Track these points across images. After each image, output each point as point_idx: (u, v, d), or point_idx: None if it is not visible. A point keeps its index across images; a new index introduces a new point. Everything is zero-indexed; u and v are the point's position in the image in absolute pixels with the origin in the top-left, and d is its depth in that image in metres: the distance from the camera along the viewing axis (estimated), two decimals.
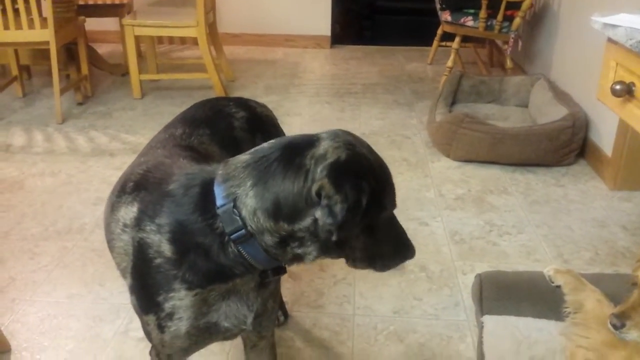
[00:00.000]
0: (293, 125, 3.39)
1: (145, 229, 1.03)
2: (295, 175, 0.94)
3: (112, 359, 1.67)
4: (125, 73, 4.16)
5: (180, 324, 1.05)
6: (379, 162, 1.01)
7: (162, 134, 1.36)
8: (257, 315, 1.11)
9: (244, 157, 1.01)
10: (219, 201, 0.98)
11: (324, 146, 0.96)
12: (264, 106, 1.52)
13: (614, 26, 1.28)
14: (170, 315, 1.04)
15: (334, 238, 0.93)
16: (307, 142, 0.98)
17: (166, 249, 1.01)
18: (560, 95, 3.20)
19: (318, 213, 0.92)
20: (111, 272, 2.05)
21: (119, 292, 1.94)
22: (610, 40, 1.35)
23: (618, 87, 1.24)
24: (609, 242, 2.27)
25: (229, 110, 1.43)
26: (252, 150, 1.02)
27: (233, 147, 1.38)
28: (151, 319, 1.07)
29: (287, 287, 1.97)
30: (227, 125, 1.40)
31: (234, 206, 0.96)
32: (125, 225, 1.08)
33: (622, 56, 1.29)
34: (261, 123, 1.47)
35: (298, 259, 1.01)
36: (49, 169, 2.84)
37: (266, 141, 1.48)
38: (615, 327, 1.41)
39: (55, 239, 2.26)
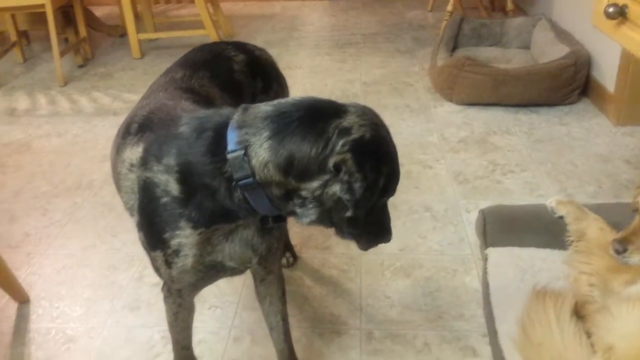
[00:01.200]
0: (294, 77, 3.38)
1: (152, 168, 1.05)
2: (315, 140, 0.95)
3: (129, 303, 1.72)
4: (124, 34, 4.14)
5: (187, 261, 1.08)
6: (394, 148, 1.03)
7: (162, 78, 1.38)
8: (262, 256, 1.15)
9: (265, 108, 1.01)
10: (230, 146, 0.98)
11: (349, 120, 0.96)
12: (262, 50, 1.52)
13: None
14: (177, 252, 1.07)
15: (348, 214, 0.98)
16: (334, 111, 0.98)
17: (174, 188, 1.03)
18: (562, 35, 3.17)
19: (337, 187, 0.95)
20: (123, 224, 2.09)
21: (132, 242, 1.99)
22: None
23: (611, 9, 1.24)
24: (612, 176, 2.28)
25: (227, 53, 1.44)
26: (275, 102, 1.02)
27: (233, 90, 1.39)
28: (158, 255, 1.10)
29: (296, 230, 2.00)
30: (226, 68, 1.41)
31: (245, 154, 0.97)
32: (131, 165, 1.11)
33: None
34: (261, 67, 1.48)
35: (296, 215, 1.04)
36: (55, 130, 2.86)
37: (267, 85, 1.51)
38: (617, 252, 1.44)
39: (66, 195, 2.30)
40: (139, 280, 1.81)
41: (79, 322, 1.66)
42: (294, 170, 0.96)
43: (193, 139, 1.03)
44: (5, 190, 2.35)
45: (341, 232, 1.07)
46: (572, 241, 1.70)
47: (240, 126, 0.99)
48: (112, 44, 4.19)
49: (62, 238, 2.04)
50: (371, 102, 3.10)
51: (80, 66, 3.73)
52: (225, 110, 1.07)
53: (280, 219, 1.09)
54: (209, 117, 1.06)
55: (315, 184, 0.96)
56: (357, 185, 0.94)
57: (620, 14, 1.27)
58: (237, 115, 1.01)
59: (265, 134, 0.97)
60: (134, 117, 1.20)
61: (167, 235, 1.06)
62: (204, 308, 1.69)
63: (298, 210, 1.01)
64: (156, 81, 1.39)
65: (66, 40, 3.88)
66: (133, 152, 1.11)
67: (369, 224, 1.06)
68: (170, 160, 1.04)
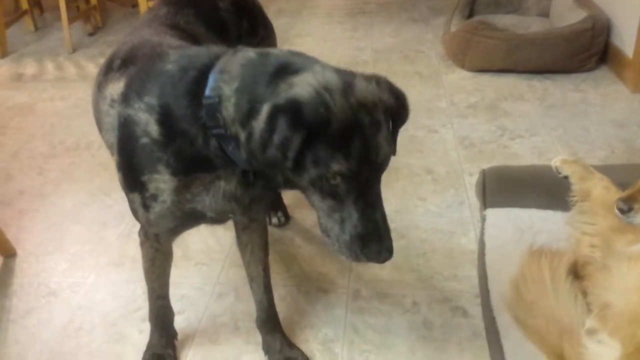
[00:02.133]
0: (303, 45, 3.30)
1: (133, 105, 1.00)
2: (268, 94, 0.89)
3: (114, 259, 1.70)
4: (136, 4, 4.09)
5: (164, 206, 1.04)
6: (349, 119, 0.88)
7: (146, 15, 1.34)
8: (245, 207, 1.08)
9: (247, 54, 0.94)
10: (207, 92, 0.93)
11: (303, 77, 0.88)
12: None
13: None
14: (155, 197, 1.03)
15: (253, 162, 0.92)
16: (299, 67, 0.91)
17: (154, 129, 0.98)
18: (582, 0, 3.03)
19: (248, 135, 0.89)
20: (117, 183, 2.04)
21: (124, 201, 1.92)
22: None
23: None
24: (626, 141, 2.17)
25: None
26: (259, 51, 0.96)
27: (219, 29, 1.34)
28: (136, 197, 1.06)
29: (290, 192, 1.95)
30: (212, 5, 1.36)
31: (219, 102, 0.92)
32: (112, 101, 1.06)
33: None
34: (248, 8, 1.43)
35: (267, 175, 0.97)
36: (59, 94, 2.84)
37: (253, 27, 1.45)
38: (622, 211, 1.36)
39: (64, 155, 2.28)
40: (127, 237, 1.78)
41: (62, 276, 1.64)
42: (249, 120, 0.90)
43: (177, 78, 0.97)
44: (4, 150, 2.33)
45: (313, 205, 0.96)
46: (576, 201, 1.61)
47: (221, 70, 0.93)
48: (125, 14, 4.16)
49: (56, 196, 2.02)
50: (380, 69, 3.03)
51: (90, 34, 3.71)
52: (217, 49, 1.00)
53: (263, 176, 1.01)
54: (197, 55, 1.00)
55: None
56: (257, 134, 0.86)
57: None
58: (225, 57, 0.95)
59: (235, 85, 0.91)
60: (116, 54, 1.15)
61: (145, 178, 1.02)
62: (189, 265, 1.65)
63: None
64: (140, 19, 1.35)
65: (78, 8, 3.86)
66: (114, 87, 1.06)
67: (334, 214, 0.93)
68: (152, 99, 0.98)
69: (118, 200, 1.96)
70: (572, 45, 2.72)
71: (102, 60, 3.19)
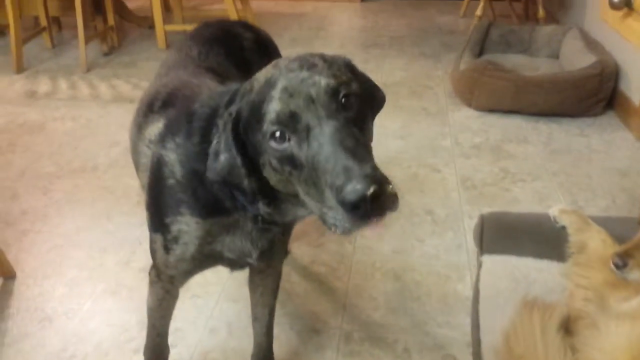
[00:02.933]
0: None
1: (166, 145, 1.02)
2: None
3: (111, 287, 1.71)
4: (152, 26, 4.16)
5: (185, 249, 1.04)
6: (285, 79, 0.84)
7: (176, 55, 1.35)
8: (264, 251, 1.08)
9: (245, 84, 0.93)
10: (214, 129, 0.93)
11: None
12: (264, 30, 1.51)
13: None
14: (176, 239, 1.04)
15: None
16: None
17: (177, 170, 1.00)
18: (592, 44, 3.05)
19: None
20: (119, 208, 2.09)
21: (125, 227, 1.98)
22: None
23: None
24: (628, 191, 2.17)
25: (236, 30, 1.42)
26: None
27: (245, 69, 1.35)
28: (158, 238, 1.07)
29: None
30: (238, 45, 1.39)
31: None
32: (150, 142, 1.08)
33: None
34: (266, 47, 1.46)
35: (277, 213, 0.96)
36: (70, 114, 2.89)
37: None
38: (617, 266, 1.36)
39: (69, 177, 2.30)
40: (126, 265, 1.79)
41: (59, 301, 1.65)
42: None
43: (195, 118, 0.99)
44: (12, 168, 2.37)
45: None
46: (573, 253, 1.61)
47: (227, 104, 0.93)
48: (140, 35, 4.23)
49: (59, 218, 2.04)
50: (388, 103, 3.03)
51: (106, 54, 3.77)
52: (232, 86, 0.99)
53: (270, 222, 0.99)
54: (216, 94, 1.01)
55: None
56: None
57: (626, 4, 1.20)
58: (232, 90, 0.94)
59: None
60: (156, 95, 1.17)
61: (168, 220, 1.03)
62: (185, 297, 1.66)
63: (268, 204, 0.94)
64: (170, 58, 1.36)
65: (95, 28, 3.93)
66: (153, 128, 1.09)
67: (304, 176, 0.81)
68: (180, 139, 1.00)
69: (119, 226, 1.99)
70: (580, 90, 2.73)
71: (115, 81, 3.27)
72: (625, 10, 1.19)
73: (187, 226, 1.01)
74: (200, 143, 0.96)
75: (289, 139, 0.80)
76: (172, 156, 1.00)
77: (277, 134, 0.80)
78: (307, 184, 0.80)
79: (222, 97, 0.95)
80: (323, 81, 0.81)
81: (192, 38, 1.37)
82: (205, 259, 1.08)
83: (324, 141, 0.77)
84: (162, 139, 1.03)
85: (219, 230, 1.02)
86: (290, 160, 0.81)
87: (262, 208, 0.94)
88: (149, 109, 1.15)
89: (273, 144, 0.81)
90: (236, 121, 0.87)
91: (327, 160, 0.76)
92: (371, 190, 0.72)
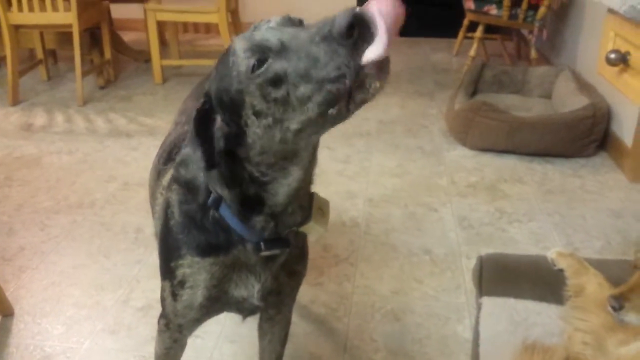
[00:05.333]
0: None
1: (172, 188, 1.03)
2: None
3: (110, 326, 1.69)
4: (149, 59, 4.20)
5: (192, 294, 1.03)
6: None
7: (193, 103, 1.35)
8: (271, 291, 1.06)
9: None
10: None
11: None
12: None
13: None
14: (182, 284, 1.03)
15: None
16: None
17: (176, 211, 1.01)
18: (584, 86, 3.12)
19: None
20: (117, 245, 2.08)
21: (122, 264, 1.97)
22: (609, 10, 1.31)
23: (613, 55, 1.20)
24: (622, 232, 2.20)
25: None
26: None
27: None
28: (167, 285, 1.07)
29: None
30: None
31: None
32: (164, 188, 1.10)
33: (619, 26, 1.25)
34: None
35: (277, 221, 0.94)
36: (67, 148, 2.89)
37: None
38: (613, 308, 1.37)
39: (66, 212, 2.30)
40: (124, 304, 1.78)
41: (58, 340, 1.63)
42: (219, 176, 0.92)
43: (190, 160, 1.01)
44: (9, 203, 2.36)
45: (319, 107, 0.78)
46: (570, 296, 1.62)
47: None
48: (137, 69, 4.27)
49: (56, 254, 2.03)
50: (384, 141, 3.09)
51: (102, 87, 3.80)
52: None
53: (278, 244, 0.97)
54: None
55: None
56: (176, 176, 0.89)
57: (622, 61, 1.24)
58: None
59: None
60: (176, 143, 1.19)
61: (173, 264, 1.03)
62: None
63: (263, 214, 0.93)
64: (188, 106, 1.38)
65: (92, 61, 3.97)
66: (168, 175, 1.10)
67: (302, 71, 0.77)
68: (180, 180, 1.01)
69: (117, 263, 1.98)
70: (573, 131, 2.78)
71: (111, 115, 3.29)
72: (621, 66, 1.23)
73: (190, 268, 1.01)
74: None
75: (267, 59, 0.78)
76: (174, 197, 1.01)
77: (255, 61, 0.78)
78: (299, 87, 0.76)
79: None
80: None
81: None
82: (213, 304, 1.06)
83: (302, 38, 0.76)
84: (170, 183, 1.05)
85: (222, 272, 1.02)
86: (276, 79, 0.77)
87: (258, 222, 0.94)
88: (169, 157, 1.16)
89: (255, 73, 0.78)
90: (203, 109, 0.87)
91: (311, 42, 0.75)
92: (356, 10, 0.71)
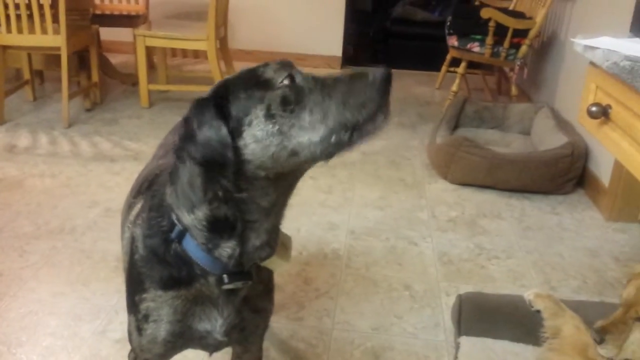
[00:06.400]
0: None
1: (136, 222, 1.05)
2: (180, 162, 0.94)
3: (87, 357, 1.68)
4: (136, 83, 4.21)
5: (155, 327, 1.04)
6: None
7: (175, 136, 1.36)
8: (234, 326, 1.07)
9: None
10: (166, 199, 0.98)
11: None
12: None
13: (593, 48, 1.28)
14: (146, 318, 1.04)
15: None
16: None
17: (140, 245, 1.02)
18: (562, 124, 3.19)
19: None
20: (97, 273, 2.07)
21: (101, 294, 1.96)
22: (591, 63, 1.35)
23: (594, 108, 1.25)
24: (598, 272, 2.24)
25: None
26: None
27: None
28: (132, 319, 1.07)
29: None
30: None
31: (169, 206, 0.97)
32: (130, 222, 1.10)
33: (601, 79, 1.30)
34: None
35: (241, 252, 0.95)
36: (49, 171, 2.88)
37: None
38: (595, 341, 1.40)
39: (47, 238, 2.28)
40: (102, 334, 1.77)
41: None
42: (190, 195, 0.92)
43: (155, 195, 1.03)
44: None
45: (306, 153, 0.87)
46: (547, 338, 1.65)
47: (166, 185, 0.99)
48: (124, 92, 4.27)
49: (35, 281, 2.01)
50: (367, 172, 3.12)
51: (88, 110, 3.79)
52: None
53: (242, 277, 0.98)
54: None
55: (210, 189, 0.91)
56: (188, 152, 0.87)
57: (603, 114, 1.28)
58: (165, 174, 1.01)
59: (170, 182, 0.97)
60: (147, 177, 1.20)
61: (137, 297, 1.03)
62: None
63: (234, 244, 0.93)
64: (168, 139, 1.39)
65: (79, 83, 3.97)
66: (135, 209, 1.11)
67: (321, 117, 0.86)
68: (145, 214, 1.03)
69: (95, 292, 1.97)
70: (551, 169, 2.84)
71: (96, 139, 3.29)
72: (602, 119, 1.27)
73: (153, 302, 1.02)
74: (155, 218, 0.99)
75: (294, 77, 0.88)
76: (138, 231, 1.03)
77: (287, 75, 0.87)
78: (322, 109, 0.86)
79: None
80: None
81: None
82: (177, 339, 1.07)
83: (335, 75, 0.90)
84: (135, 218, 1.07)
85: (185, 305, 1.02)
86: (301, 93, 0.87)
87: (226, 249, 0.94)
88: (139, 190, 1.17)
89: (284, 83, 0.86)
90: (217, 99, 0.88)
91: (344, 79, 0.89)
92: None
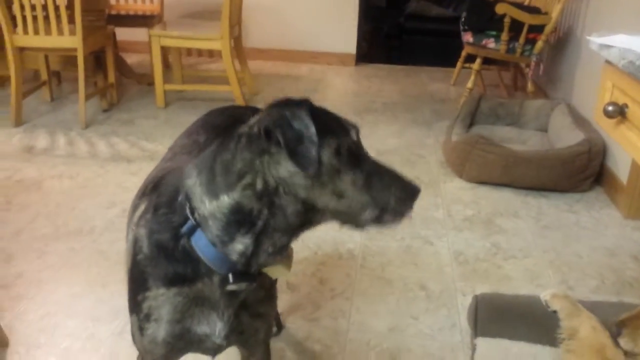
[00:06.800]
0: None
1: (139, 223, 1.05)
2: (231, 143, 0.94)
3: (105, 359, 1.70)
4: (152, 83, 4.24)
5: (156, 327, 1.05)
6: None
7: (184, 140, 1.38)
8: (233, 329, 1.07)
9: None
10: (180, 197, 1.00)
11: (252, 120, 0.96)
12: None
13: (608, 47, 1.27)
14: (148, 317, 1.05)
15: (287, 156, 0.87)
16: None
17: (144, 244, 1.02)
18: (579, 121, 3.16)
19: (267, 145, 0.90)
20: (114, 275, 2.09)
21: (119, 295, 1.98)
22: (607, 61, 1.34)
23: (610, 108, 1.23)
24: (617, 271, 2.22)
25: (246, 118, 1.45)
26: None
27: None
28: (134, 320, 1.08)
29: (285, 298, 1.98)
30: None
31: (187, 198, 0.98)
32: (133, 223, 1.10)
33: (617, 77, 1.28)
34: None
35: (252, 252, 0.95)
36: (68, 172, 2.91)
37: None
38: (613, 334, 1.44)
39: (65, 239, 2.31)
40: (119, 336, 1.79)
41: None
42: (223, 182, 0.93)
43: (161, 195, 1.04)
44: (7, 228, 2.37)
45: (342, 218, 0.97)
46: (564, 339, 1.64)
47: (186, 175, 1.00)
48: (140, 91, 4.31)
49: (54, 283, 2.04)
50: None
51: (105, 110, 3.83)
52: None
53: (245, 278, 0.98)
54: (178, 173, 1.05)
55: (249, 175, 0.91)
56: (278, 121, 0.87)
57: (619, 113, 1.26)
58: (187, 167, 1.02)
59: (195, 171, 0.98)
60: (152, 179, 1.20)
61: (140, 297, 1.04)
62: None
63: (248, 237, 0.94)
64: (177, 142, 1.39)
65: (95, 84, 4.00)
66: (139, 210, 1.11)
67: (360, 188, 0.94)
68: (149, 215, 1.04)
69: (113, 294, 1.99)
70: (568, 166, 2.81)
71: (113, 139, 3.32)
72: (618, 118, 1.25)
73: (155, 301, 1.03)
74: (165, 214, 1.00)
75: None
76: (142, 231, 1.03)
77: (356, 135, 0.96)
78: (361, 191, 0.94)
79: (179, 177, 1.02)
80: None
81: (202, 125, 1.41)
82: (176, 341, 1.07)
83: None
84: (139, 219, 1.07)
85: (185, 304, 1.03)
86: (361, 151, 0.96)
87: (240, 244, 0.94)
88: (143, 192, 1.18)
89: (353, 136, 0.95)
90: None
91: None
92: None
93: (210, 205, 0.95)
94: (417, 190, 0.99)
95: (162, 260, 1.00)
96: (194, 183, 0.98)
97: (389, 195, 0.95)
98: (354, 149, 0.94)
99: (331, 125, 0.92)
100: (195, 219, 0.96)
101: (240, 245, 0.95)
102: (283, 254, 1.00)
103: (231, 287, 0.99)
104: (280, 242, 0.97)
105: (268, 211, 0.93)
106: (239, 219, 0.93)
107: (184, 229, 0.97)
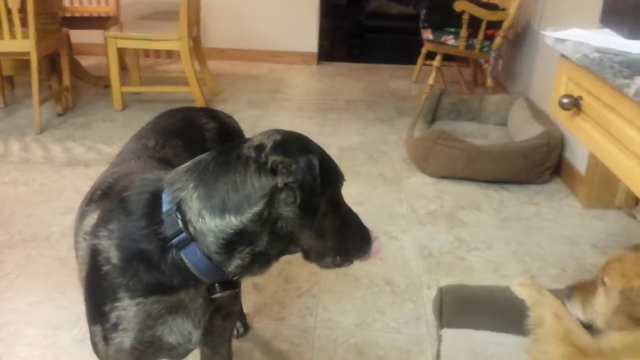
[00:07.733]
0: None
1: (98, 234, 1.02)
2: (237, 165, 0.95)
3: None
4: (108, 85, 4.14)
5: (124, 336, 1.02)
6: (314, 143, 1.05)
7: (133, 144, 1.33)
8: (205, 332, 1.08)
9: (184, 164, 1.02)
10: (165, 206, 0.98)
11: (256, 139, 0.99)
12: (230, 117, 1.51)
13: (563, 41, 1.29)
14: (115, 326, 1.02)
15: (298, 201, 0.94)
16: (239, 142, 1.00)
17: (114, 255, 0.99)
18: (538, 114, 3.22)
19: (278, 181, 0.94)
20: (73, 281, 2.03)
21: (79, 301, 1.90)
22: (562, 55, 1.36)
23: (565, 100, 1.25)
24: (577, 260, 2.26)
25: (199, 121, 1.41)
26: (192, 159, 1.03)
27: None
28: (97, 329, 1.05)
29: (250, 298, 1.95)
30: (199, 136, 1.37)
31: (178, 209, 0.96)
32: (85, 233, 1.06)
33: (572, 70, 1.30)
34: (230, 134, 1.46)
35: (246, 266, 0.99)
36: (22, 178, 2.82)
37: None
38: (566, 297, 1.55)
39: (21, 246, 2.24)
40: (81, 343, 1.74)
41: None
42: (230, 204, 0.94)
43: (132, 202, 1.01)
44: None
45: (312, 254, 1.05)
46: (532, 328, 1.66)
47: (170, 184, 0.99)
48: (96, 94, 4.21)
49: (10, 291, 1.97)
50: (345, 168, 3.09)
51: (60, 115, 3.73)
52: (163, 172, 1.06)
53: (230, 286, 1.02)
54: (150, 180, 1.04)
55: (259, 205, 0.94)
56: (293, 168, 0.93)
57: (574, 105, 1.29)
58: (168, 175, 1.02)
59: (192, 184, 0.97)
60: (100, 185, 1.16)
61: (107, 307, 1.01)
62: None
63: (246, 254, 0.97)
64: (126, 147, 1.35)
65: (50, 87, 3.89)
66: (90, 219, 1.07)
67: (335, 231, 1.04)
68: (113, 225, 1.01)
69: (73, 300, 1.93)
70: (528, 159, 2.86)
71: (69, 144, 3.23)
72: (574, 110, 1.27)
73: (126, 310, 1.00)
74: (148, 225, 0.98)
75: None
76: (106, 243, 1.00)
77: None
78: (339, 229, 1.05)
79: (158, 183, 1.02)
80: None
81: (152, 128, 1.36)
82: (144, 348, 1.05)
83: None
84: (95, 229, 1.03)
85: (160, 312, 1.02)
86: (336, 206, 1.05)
87: (237, 259, 0.97)
88: (90, 198, 1.14)
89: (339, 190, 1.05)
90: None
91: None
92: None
93: (212, 222, 0.95)
94: (372, 241, 1.11)
95: (142, 271, 0.98)
96: (189, 196, 0.96)
97: (353, 243, 1.07)
98: (338, 195, 1.04)
99: (329, 175, 1.00)
100: (190, 233, 0.96)
101: (239, 260, 0.97)
102: (270, 267, 1.03)
103: (217, 295, 1.01)
104: (271, 260, 1.02)
105: (267, 237, 0.97)
106: (240, 240, 0.96)
107: (175, 241, 0.96)
